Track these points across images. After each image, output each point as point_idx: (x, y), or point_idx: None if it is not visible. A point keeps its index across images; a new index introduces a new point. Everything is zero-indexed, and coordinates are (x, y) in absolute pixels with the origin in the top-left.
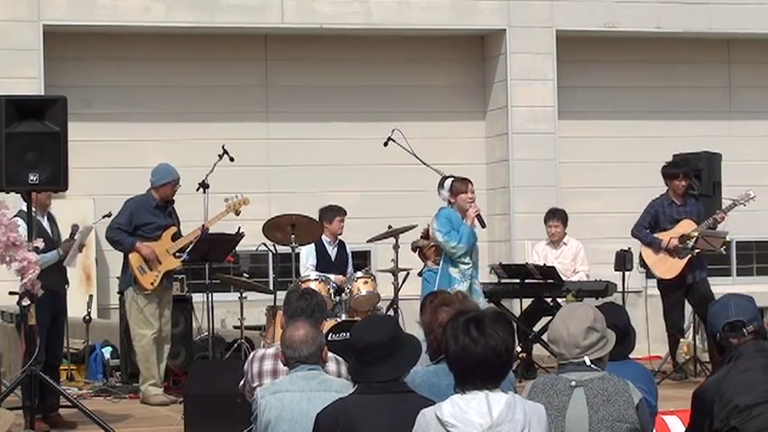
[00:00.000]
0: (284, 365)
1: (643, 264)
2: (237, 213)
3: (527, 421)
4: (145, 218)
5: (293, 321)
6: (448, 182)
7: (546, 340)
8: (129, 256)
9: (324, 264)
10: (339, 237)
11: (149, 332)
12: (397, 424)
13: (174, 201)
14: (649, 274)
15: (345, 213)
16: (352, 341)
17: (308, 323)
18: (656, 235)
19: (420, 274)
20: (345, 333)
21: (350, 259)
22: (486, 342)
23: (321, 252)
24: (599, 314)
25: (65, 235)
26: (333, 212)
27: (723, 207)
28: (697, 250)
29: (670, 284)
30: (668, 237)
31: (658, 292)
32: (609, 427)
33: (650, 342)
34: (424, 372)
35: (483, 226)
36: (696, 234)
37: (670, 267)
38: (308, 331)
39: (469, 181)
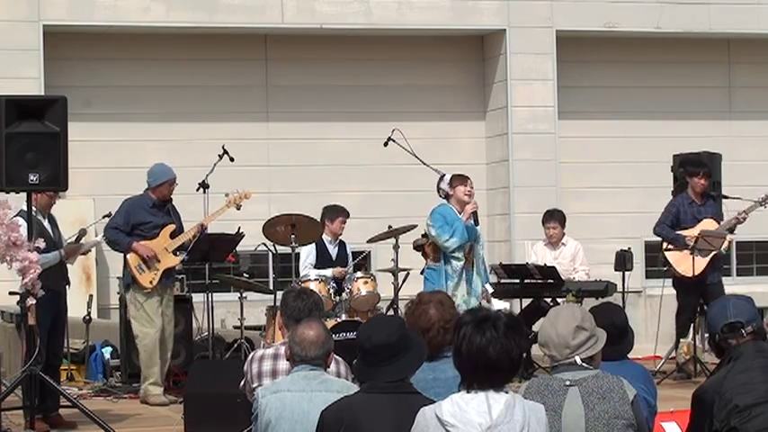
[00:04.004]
0: (287, 360)
1: (666, 262)
2: (239, 208)
3: (526, 422)
4: (142, 217)
5: (307, 320)
6: (447, 176)
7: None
8: (128, 255)
9: (324, 262)
10: (339, 237)
11: (152, 330)
12: (401, 424)
13: (171, 200)
14: (668, 274)
15: (348, 215)
16: (358, 341)
17: (322, 326)
18: (678, 233)
19: (422, 272)
20: (345, 333)
21: (350, 258)
22: (502, 345)
23: (322, 251)
24: (587, 313)
25: (65, 236)
26: (336, 212)
27: (745, 208)
28: (714, 251)
29: (686, 284)
30: (691, 234)
31: (659, 293)
32: (606, 424)
33: (650, 342)
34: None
35: (476, 224)
36: (696, 234)
37: (691, 266)
38: (320, 333)
39: (468, 177)
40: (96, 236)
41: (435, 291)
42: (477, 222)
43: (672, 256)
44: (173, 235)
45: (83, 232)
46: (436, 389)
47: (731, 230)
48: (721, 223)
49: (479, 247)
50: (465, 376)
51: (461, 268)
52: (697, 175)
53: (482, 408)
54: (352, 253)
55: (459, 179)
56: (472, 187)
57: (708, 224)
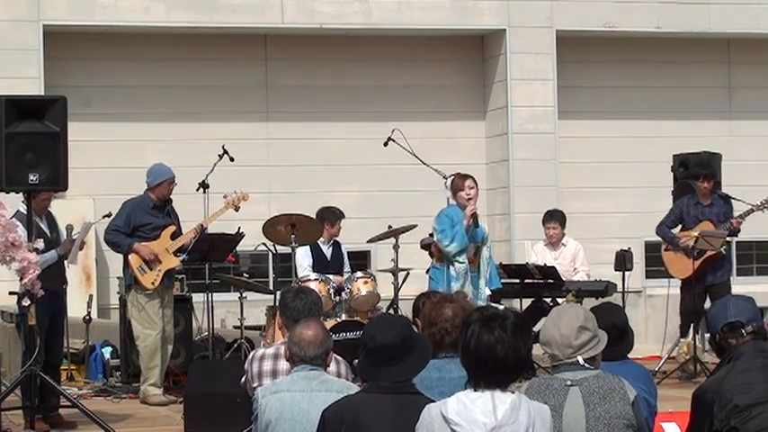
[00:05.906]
0: (287, 360)
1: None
2: (237, 209)
3: (531, 423)
4: (143, 218)
5: (306, 320)
6: (449, 180)
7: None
8: (129, 256)
9: (320, 264)
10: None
11: (154, 332)
12: (402, 425)
13: (171, 200)
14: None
15: (344, 217)
16: (362, 340)
17: (321, 325)
18: (676, 234)
19: (427, 271)
20: (345, 333)
21: (346, 258)
22: (510, 344)
23: (316, 252)
24: (589, 314)
25: (65, 237)
26: (336, 216)
27: (741, 213)
28: (711, 252)
29: (687, 284)
30: (686, 236)
31: (658, 293)
32: (606, 424)
33: (650, 342)
34: None
35: (476, 226)
36: (696, 234)
37: (683, 267)
38: (318, 333)
39: (469, 176)
40: (90, 221)
41: (461, 293)
42: (476, 224)
43: (667, 257)
44: (173, 236)
45: (70, 228)
46: (441, 388)
47: (731, 234)
48: (720, 226)
49: (486, 249)
50: (472, 374)
51: (465, 270)
52: (698, 178)
53: (487, 407)
54: (350, 253)
55: (459, 181)
56: (471, 187)
57: (704, 227)
